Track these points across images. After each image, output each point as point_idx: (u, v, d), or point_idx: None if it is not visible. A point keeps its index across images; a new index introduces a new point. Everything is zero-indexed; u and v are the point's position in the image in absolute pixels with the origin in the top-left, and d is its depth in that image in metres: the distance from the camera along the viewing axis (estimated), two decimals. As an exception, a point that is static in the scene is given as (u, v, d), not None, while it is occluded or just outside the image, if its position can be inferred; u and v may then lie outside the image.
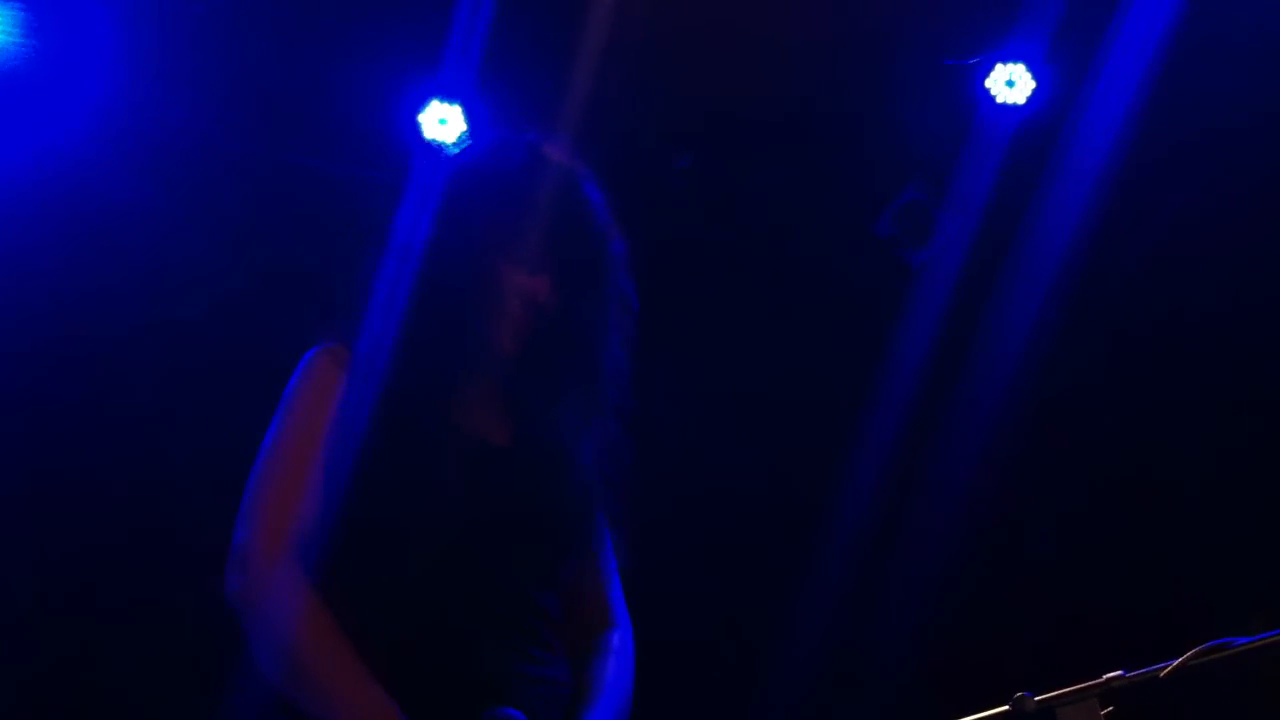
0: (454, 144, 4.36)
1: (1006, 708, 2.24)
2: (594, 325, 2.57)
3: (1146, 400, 4.86)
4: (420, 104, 4.47)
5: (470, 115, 4.47)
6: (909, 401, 4.83)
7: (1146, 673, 2.20)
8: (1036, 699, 2.22)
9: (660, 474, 4.66)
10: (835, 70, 4.65)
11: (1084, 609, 4.71)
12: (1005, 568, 4.90)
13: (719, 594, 4.91)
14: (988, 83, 4.68)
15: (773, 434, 4.98)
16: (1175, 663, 2.18)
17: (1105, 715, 2.21)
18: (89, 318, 4.52)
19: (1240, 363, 4.77)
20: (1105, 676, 2.18)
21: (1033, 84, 4.68)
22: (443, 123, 4.47)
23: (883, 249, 4.91)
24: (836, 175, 4.90)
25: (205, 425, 4.34)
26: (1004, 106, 4.69)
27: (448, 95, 4.46)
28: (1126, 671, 2.19)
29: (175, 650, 4.36)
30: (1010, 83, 4.67)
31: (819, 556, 4.87)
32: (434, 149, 4.37)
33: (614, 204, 2.64)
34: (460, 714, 2.36)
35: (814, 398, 4.96)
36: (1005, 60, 4.67)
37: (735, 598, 4.91)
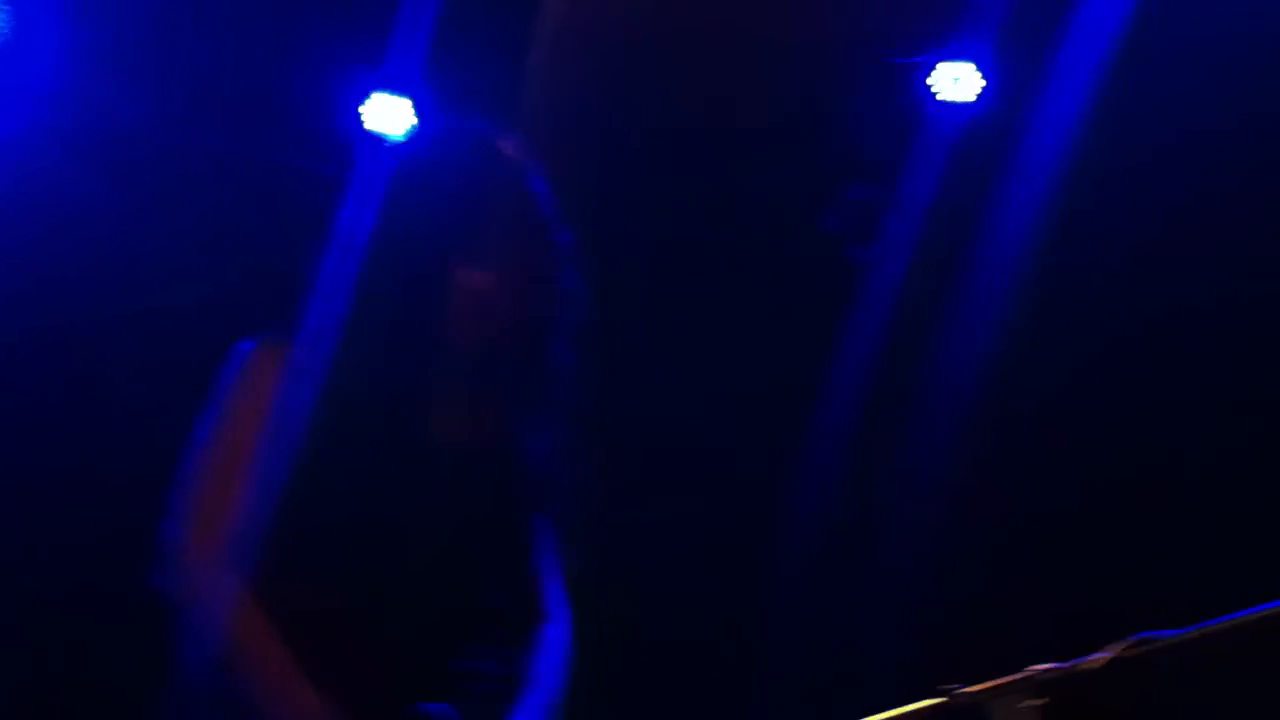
0: (399, 136, 4.35)
1: (938, 699, 2.25)
2: (541, 321, 2.56)
3: (1105, 395, 4.88)
4: (364, 95, 4.46)
5: (416, 107, 4.47)
6: (862, 400, 4.85)
7: (1076, 664, 2.21)
8: (967, 690, 2.23)
9: (616, 471, 4.69)
10: (783, 67, 4.67)
11: (1055, 603, 4.73)
12: (968, 559, 4.91)
13: (672, 591, 4.92)
14: (934, 81, 4.71)
15: (727, 431, 4.99)
16: (1104, 654, 2.20)
17: (1036, 706, 2.22)
18: (35, 313, 4.50)
19: (1193, 359, 4.81)
20: (1035, 668, 2.19)
21: (981, 82, 4.71)
22: (388, 115, 4.46)
23: (829, 245, 4.93)
24: (783, 172, 4.92)
25: (153, 421, 4.32)
26: (951, 105, 4.73)
27: (393, 87, 4.45)
28: (1057, 663, 2.20)
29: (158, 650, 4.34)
30: (957, 80, 4.70)
31: (776, 551, 4.89)
32: (378, 141, 4.36)
33: (564, 200, 2.63)
34: (391, 710, 2.36)
35: (768, 392, 4.97)
36: (952, 59, 4.71)
37: (688, 595, 4.92)
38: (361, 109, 4.42)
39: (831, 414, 4.89)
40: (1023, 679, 2.22)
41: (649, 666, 4.85)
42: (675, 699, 4.86)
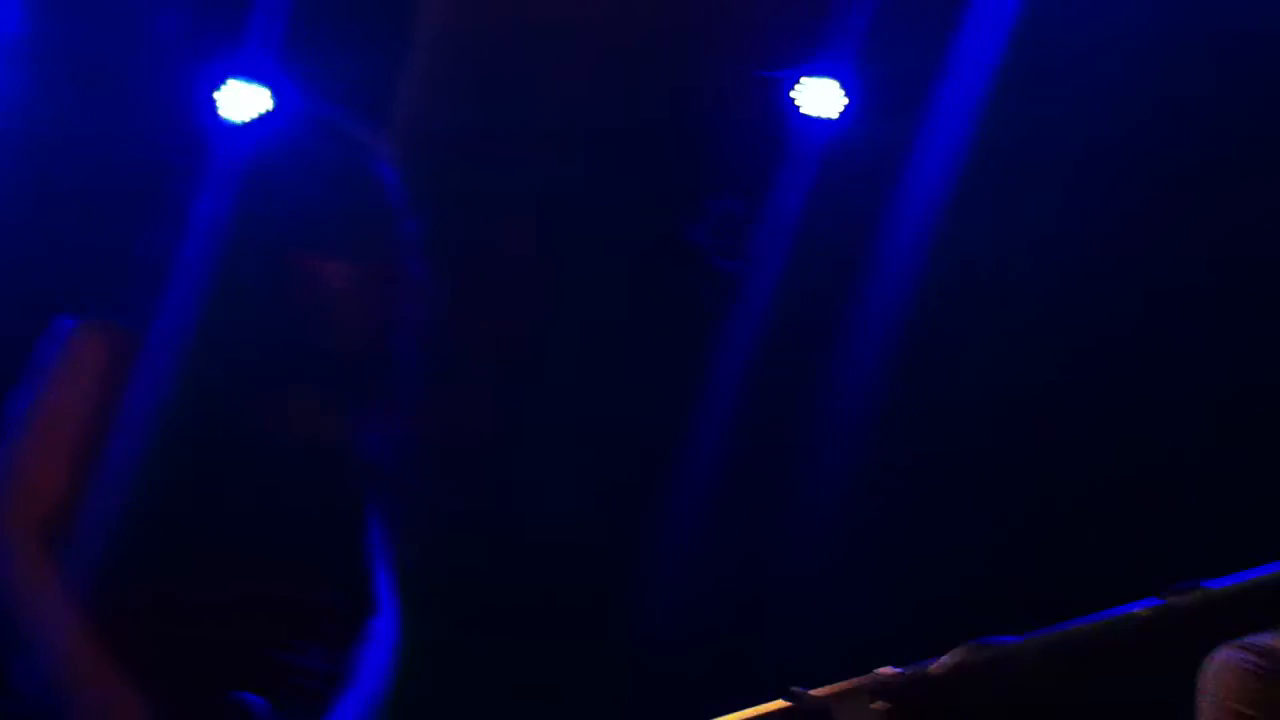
0: (251, 123, 4.29)
1: (784, 702, 2.27)
2: (388, 313, 2.54)
3: (984, 400, 4.93)
4: (220, 82, 4.39)
5: (272, 94, 4.40)
6: (733, 416, 4.87)
7: (918, 668, 2.25)
8: (813, 693, 2.26)
9: (480, 477, 4.65)
10: (650, 75, 4.68)
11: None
12: (852, 573, 4.93)
13: (538, 595, 4.90)
14: (798, 94, 4.75)
15: (591, 451, 4.96)
16: (945, 659, 2.24)
17: (880, 710, 2.25)
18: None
19: (1073, 362, 4.88)
20: (878, 671, 2.23)
21: (843, 99, 4.75)
22: (242, 102, 4.38)
23: (696, 257, 4.93)
24: (649, 182, 4.91)
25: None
26: (817, 119, 4.77)
27: (248, 74, 4.39)
28: (900, 667, 2.24)
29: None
30: (819, 97, 4.73)
31: (646, 559, 4.90)
32: (231, 128, 4.30)
33: (424, 196, 2.60)
34: (202, 701, 2.34)
35: (632, 402, 4.96)
36: (816, 74, 4.73)
37: (553, 599, 4.90)
38: (216, 95, 4.35)
39: (704, 426, 4.91)
40: (867, 683, 2.26)
41: (502, 663, 4.83)
42: (528, 696, 4.84)
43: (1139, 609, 2.26)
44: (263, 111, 4.26)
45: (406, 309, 2.56)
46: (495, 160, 4.76)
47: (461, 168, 4.64)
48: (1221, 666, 2.70)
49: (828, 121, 4.75)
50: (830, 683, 2.26)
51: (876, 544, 4.89)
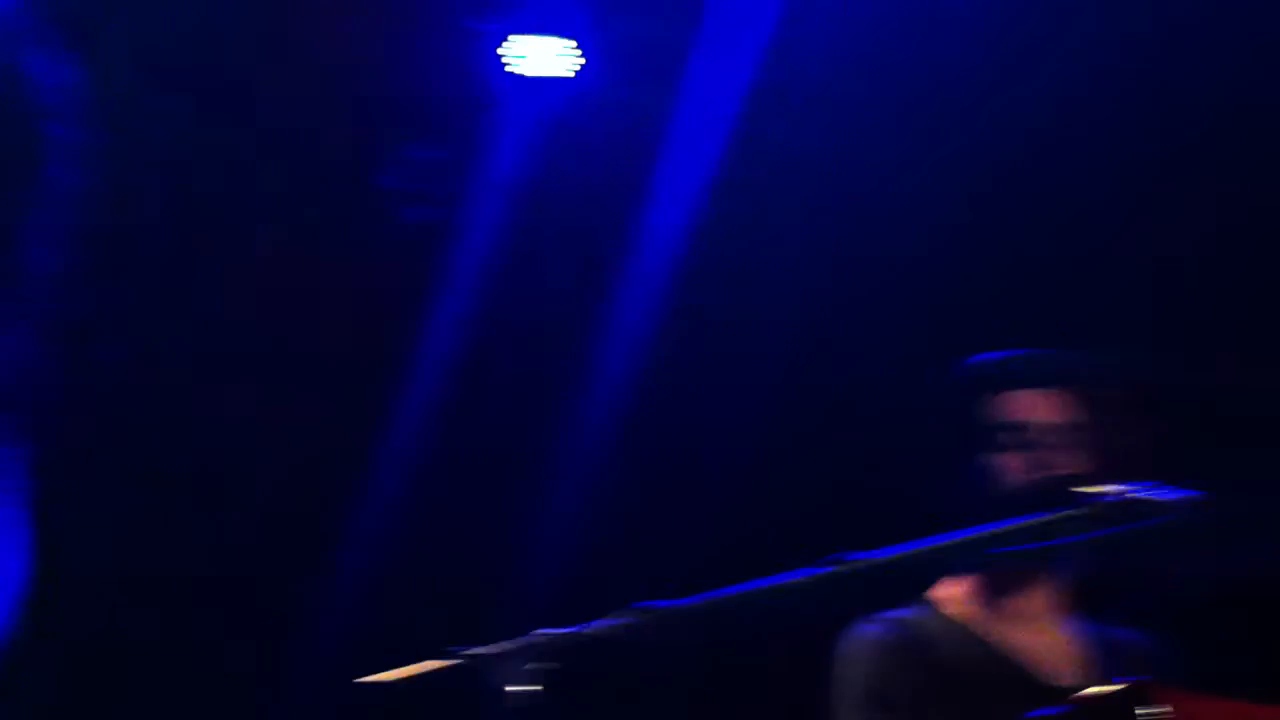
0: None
1: (447, 660, 2.29)
2: (17, 218, 2.42)
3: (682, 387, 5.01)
4: None
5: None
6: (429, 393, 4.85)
7: (583, 629, 2.30)
8: (475, 652, 2.28)
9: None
10: (356, 16, 4.57)
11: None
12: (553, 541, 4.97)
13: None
14: (510, 50, 4.68)
15: (276, 419, 4.87)
16: (605, 621, 2.29)
17: (542, 669, 2.28)
18: None
19: (792, 352, 4.97)
20: (533, 632, 2.26)
21: (578, 59, 4.73)
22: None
23: (385, 203, 4.85)
24: (341, 125, 4.80)
25: None
26: (537, 78, 4.72)
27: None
28: (555, 629, 2.28)
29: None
30: (542, 55, 4.71)
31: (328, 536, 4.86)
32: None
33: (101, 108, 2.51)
34: None
35: (324, 367, 4.88)
36: (531, 31, 4.67)
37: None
38: None
39: (406, 393, 4.87)
40: (530, 642, 2.29)
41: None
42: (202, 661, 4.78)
43: (792, 578, 2.35)
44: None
45: (45, 216, 2.44)
46: (186, 91, 4.60)
47: (136, 111, 4.48)
48: (857, 637, 2.84)
49: (555, 80, 4.73)
50: (492, 643, 2.29)
51: (562, 511, 4.95)
